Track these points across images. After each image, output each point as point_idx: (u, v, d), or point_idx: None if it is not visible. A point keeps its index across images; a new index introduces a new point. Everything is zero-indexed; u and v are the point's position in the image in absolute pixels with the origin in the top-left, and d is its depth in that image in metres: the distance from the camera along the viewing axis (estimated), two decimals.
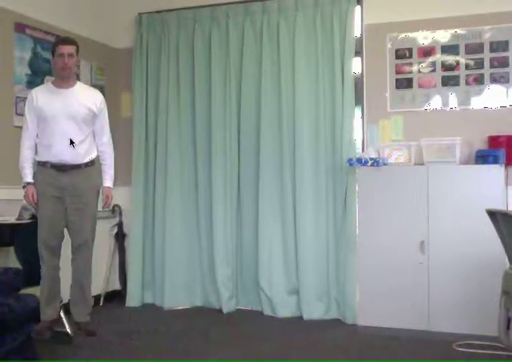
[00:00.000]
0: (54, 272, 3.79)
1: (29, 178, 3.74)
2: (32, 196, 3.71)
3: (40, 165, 3.77)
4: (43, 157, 3.74)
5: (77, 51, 3.78)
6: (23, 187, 3.75)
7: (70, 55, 3.71)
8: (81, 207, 3.76)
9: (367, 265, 4.30)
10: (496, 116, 4.28)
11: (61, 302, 3.91)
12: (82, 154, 3.75)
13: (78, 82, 3.88)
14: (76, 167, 3.74)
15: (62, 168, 3.71)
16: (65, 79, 3.77)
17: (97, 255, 4.74)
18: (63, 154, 3.69)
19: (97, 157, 3.90)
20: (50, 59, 3.84)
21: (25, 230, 3.81)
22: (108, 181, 3.93)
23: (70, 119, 3.70)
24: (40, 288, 3.78)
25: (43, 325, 3.75)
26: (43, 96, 3.73)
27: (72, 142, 3.69)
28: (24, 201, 3.79)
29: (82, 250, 3.80)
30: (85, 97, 3.79)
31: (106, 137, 3.92)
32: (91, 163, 3.83)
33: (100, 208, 3.94)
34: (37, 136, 3.77)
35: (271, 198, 4.72)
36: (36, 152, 3.78)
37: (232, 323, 4.50)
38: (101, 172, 3.93)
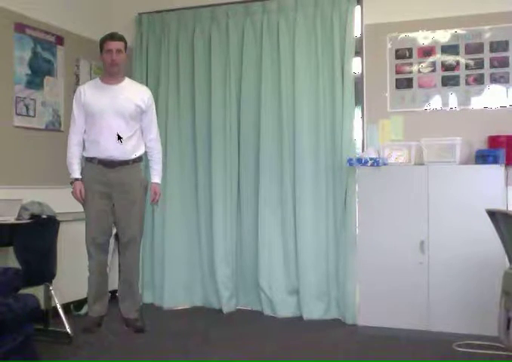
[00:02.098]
0: (102, 268, 3.80)
1: (76, 174, 3.73)
2: (80, 192, 3.70)
3: (88, 161, 3.76)
4: (90, 153, 3.73)
5: (125, 47, 3.77)
6: (71, 183, 3.73)
7: (118, 51, 3.71)
8: (128, 204, 3.74)
9: (367, 265, 4.30)
10: (496, 116, 4.28)
11: (109, 298, 3.92)
12: (130, 150, 3.74)
13: (127, 78, 3.86)
14: (124, 163, 3.72)
15: (109, 164, 3.70)
16: (113, 75, 3.76)
17: None
18: (110, 150, 3.68)
19: (145, 153, 3.88)
20: (99, 56, 3.81)
21: (24, 230, 3.81)
22: (156, 177, 3.92)
23: (118, 115, 3.68)
24: (88, 284, 3.80)
25: (91, 321, 3.77)
26: (91, 92, 3.73)
27: (119, 138, 3.68)
28: (72, 197, 3.76)
29: (131, 247, 3.79)
30: (133, 93, 3.77)
31: (153, 133, 3.91)
32: (139, 159, 3.82)
33: (148, 204, 3.92)
34: (85, 131, 3.75)
35: (271, 198, 4.72)
36: (84, 148, 3.76)
37: (232, 323, 4.50)
38: (148, 168, 3.92)
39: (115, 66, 3.71)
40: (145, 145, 3.87)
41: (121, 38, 3.75)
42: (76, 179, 3.72)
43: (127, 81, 3.83)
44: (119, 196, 3.71)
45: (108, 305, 3.90)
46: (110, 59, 3.68)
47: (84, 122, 3.73)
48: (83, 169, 3.75)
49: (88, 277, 3.77)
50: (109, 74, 3.76)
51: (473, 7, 4.32)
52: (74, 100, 3.79)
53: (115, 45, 3.69)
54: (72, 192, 3.72)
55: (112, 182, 3.69)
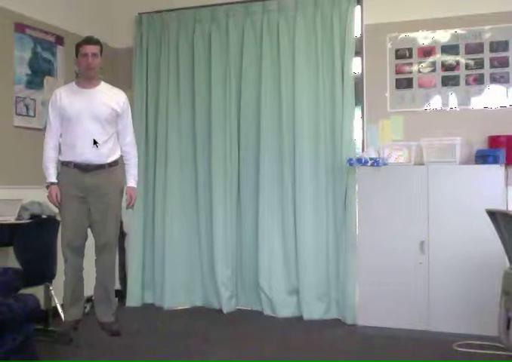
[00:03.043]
0: (78, 272, 3.78)
1: (52, 178, 3.73)
2: (56, 196, 3.70)
3: (64, 165, 3.75)
4: (67, 157, 3.73)
5: (101, 51, 3.76)
6: (47, 187, 3.73)
7: (94, 55, 3.70)
8: (104, 207, 3.74)
9: (367, 265, 4.30)
10: (496, 116, 4.28)
11: (85, 302, 3.91)
12: (106, 154, 3.73)
13: (102, 82, 3.85)
14: (100, 167, 3.72)
15: (85, 168, 3.70)
16: (88, 79, 3.75)
17: None
18: (86, 154, 3.67)
19: (121, 157, 3.88)
20: (74, 60, 3.81)
21: (24, 230, 3.81)
22: (132, 181, 3.90)
23: (94, 119, 3.68)
24: (63, 288, 3.78)
25: (67, 325, 3.76)
26: (67, 96, 3.72)
27: (95, 142, 3.67)
28: (42, 201, 3.77)
29: (106, 250, 3.79)
30: (109, 97, 3.77)
31: (129, 137, 3.90)
32: (115, 163, 3.81)
33: (123, 208, 3.92)
34: (60, 135, 3.76)
35: (271, 198, 4.72)
36: (60, 152, 3.77)
37: (232, 323, 4.50)
38: (124, 172, 3.92)
39: (90, 70, 3.71)
40: (121, 150, 3.87)
41: (97, 42, 3.75)
42: (52, 183, 3.73)
43: (102, 85, 3.84)
44: (95, 200, 3.72)
45: (84, 309, 3.90)
46: (86, 63, 3.68)
47: (60, 126, 3.73)
48: (59, 173, 3.76)
49: (64, 282, 3.77)
50: (85, 78, 3.76)
51: (473, 7, 4.32)
52: (50, 104, 3.78)
53: (90, 49, 3.69)
54: (48, 196, 3.73)
55: (88, 186, 3.70)
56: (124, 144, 3.88)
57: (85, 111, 3.67)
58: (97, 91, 3.76)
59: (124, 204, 3.89)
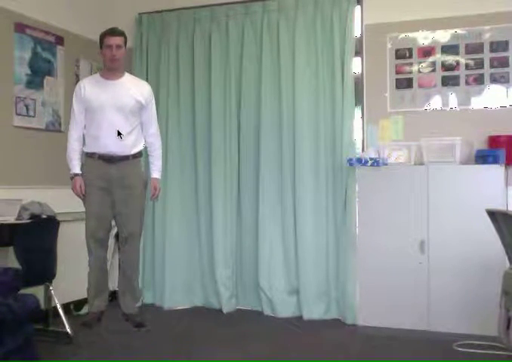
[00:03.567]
0: (102, 264, 3.77)
1: (76, 169, 3.71)
2: (80, 187, 3.69)
3: (88, 156, 3.74)
4: (90, 148, 3.72)
5: (125, 43, 3.76)
6: (71, 178, 3.72)
7: (118, 46, 3.68)
8: (128, 199, 3.72)
9: (367, 265, 4.30)
10: (496, 116, 4.28)
11: (109, 293, 3.91)
12: (130, 145, 3.72)
13: (127, 73, 3.84)
14: (124, 158, 3.71)
15: (109, 159, 3.68)
16: (113, 70, 3.73)
17: None
18: (110, 145, 3.66)
19: (145, 148, 3.87)
20: (98, 51, 3.79)
21: (24, 230, 3.81)
22: (156, 172, 3.89)
23: (118, 110, 3.66)
24: (88, 280, 3.77)
25: (91, 316, 3.76)
26: (91, 88, 3.71)
27: (119, 134, 3.66)
28: (72, 192, 3.74)
29: (130, 242, 3.77)
30: (133, 88, 3.75)
31: (153, 128, 3.88)
32: (139, 154, 3.80)
33: (148, 200, 3.92)
34: (84, 127, 3.75)
35: (271, 198, 4.72)
36: (84, 143, 3.76)
37: (232, 323, 4.50)
38: (148, 163, 3.91)
39: (115, 62, 3.70)
40: (145, 141, 3.86)
41: (121, 33, 3.73)
42: (76, 175, 3.71)
43: (127, 76, 3.83)
44: (119, 191, 3.71)
45: (108, 300, 3.89)
46: (110, 54, 3.66)
47: (84, 117, 3.72)
48: (83, 164, 3.75)
49: (88, 273, 3.76)
50: (109, 69, 3.75)
51: (473, 7, 4.32)
52: (74, 95, 3.77)
53: (115, 40, 3.67)
54: (72, 188, 3.71)
55: (112, 178, 3.69)
56: (148, 135, 3.86)
57: (109, 103, 3.66)
58: (122, 82, 3.75)
59: (148, 195, 3.88)
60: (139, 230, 3.82)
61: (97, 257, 3.73)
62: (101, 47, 3.72)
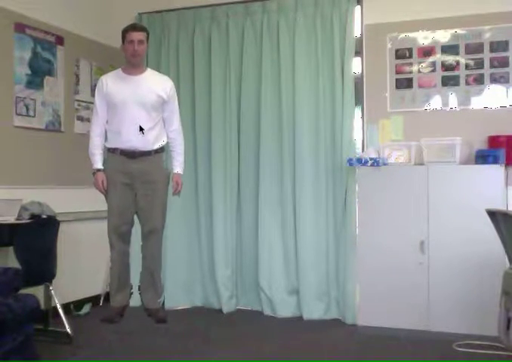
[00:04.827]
0: (124, 258, 3.76)
1: (98, 164, 3.70)
2: (102, 183, 3.69)
3: (110, 152, 3.73)
4: (112, 143, 3.71)
5: (147, 38, 3.76)
6: (93, 173, 3.71)
7: (140, 42, 3.66)
8: (150, 194, 3.71)
9: (367, 265, 4.30)
10: (496, 116, 4.28)
11: (131, 288, 3.87)
12: (152, 140, 3.71)
13: (149, 69, 3.83)
14: (146, 153, 3.69)
15: (131, 155, 3.67)
16: (135, 66, 3.72)
17: (97, 255, 4.76)
18: (132, 140, 3.65)
19: (167, 144, 3.86)
20: (120, 46, 3.78)
21: (24, 230, 3.81)
22: (178, 168, 3.89)
23: (140, 106, 3.65)
24: (110, 274, 3.76)
25: (113, 311, 3.73)
26: (113, 83, 3.70)
27: (141, 129, 3.65)
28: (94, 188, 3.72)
29: (152, 237, 3.75)
30: (155, 84, 3.73)
31: (175, 124, 3.87)
32: (161, 150, 3.79)
33: (170, 195, 3.91)
34: (107, 122, 3.74)
35: (271, 198, 4.72)
36: (106, 139, 3.75)
37: (232, 323, 4.50)
38: (171, 158, 3.91)
39: (137, 57, 3.69)
40: (167, 136, 3.86)
41: (143, 29, 3.73)
42: (98, 170, 3.71)
43: (149, 71, 3.82)
44: (141, 186, 3.71)
45: (129, 295, 3.88)
46: (132, 49, 3.65)
47: (106, 113, 3.72)
48: (105, 160, 3.75)
49: (110, 268, 3.76)
50: (131, 64, 3.74)
51: (473, 7, 4.32)
52: (96, 91, 3.76)
53: (137, 36, 3.66)
54: (94, 183, 3.71)
55: (134, 173, 3.69)
56: (170, 131, 3.85)
57: (131, 98, 3.64)
58: (144, 78, 3.74)
59: (170, 190, 3.87)
60: (161, 225, 3.81)
61: (119, 252, 3.72)
62: (123, 42, 3.71)
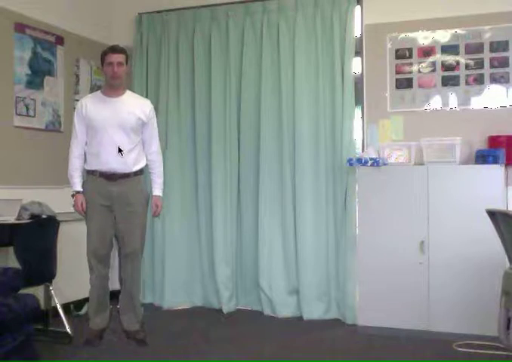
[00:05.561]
0: (103, 281, 3.80)
1: (78, 187, 3.74)
2: (82, 205, 3.71)
3: (89, 174, 3.77)
4: (92, 165, 3.74)
5: (126, 60, 3.77)
6: (72, 196, 3.75)
7: (119, 64, 3.70)
8: (130, 216, 3.74)
9: (367, 265, 4.30)
10: (496, 116, 4.28)
11: (111, 311, 3.92)
12: (131, 162, 3.74)
13: (128, 91, 3.87)
14: (125, 175, 3.72)
15: (111, 177, 3.70)
16: (114, 88, 3.75)
17: None
18: (111, 162, 3.68)
19: (146, 166, 3.88)
20: (101, 68, 3.82)
21: (24, 230, 3.81)
22: (157, 190, 3.91)
23: (119, 128, 3.68)
24: (89, 297, 3.82)
25: (92, 333, 3.78)
26: (92, 105, 3.73)
27: (120, 151, 3.68)
28: (73, 209, 3.79)
29: (132, 259, 3.79)
30: (134, 106, 3.77)
31: (155, 146, 3.90)
32: (140, 171, 3.82)
33: (149, 217, 3.93)
34: (86, 144, 3.76)
35: (271, 198, 4.72)
36: (85, 161, 3.77)
37: (232, 323, 4.50)
38: (150, 181, 3.92)
39: (116, 79, 3.71)
40: (146, 158, 3.87)
41: (122, 51, 3.75)
42: (78, 192, 3.73)
43: (128, 93, 3.84)
44: (121, 209, 3.72)
45: (109, 317, 3.90)
46: (112, 71, 3.68)
47: (85, 135, 3.74)
48: (84, 181, 3.76)
49: (89, 291, 3.78)
50: (111, 86, 3.76)
51: (473, 7, 4.32)
52: (75, 113, 3.80)
53: (116, 58, 3.69)
54: (74, 205, 3.73)
55: (114, 195, 3.70)
56: (149, 153, 3.88)
57: (111, 120, 3.67)
58: (123, 100, 3.77)
59: (150, 212, 3.90)
60: (140, 247, 3.84)
61: (98, 275, 3.76)
62: (102, 64, 3.74)
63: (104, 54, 3.73)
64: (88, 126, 3.72)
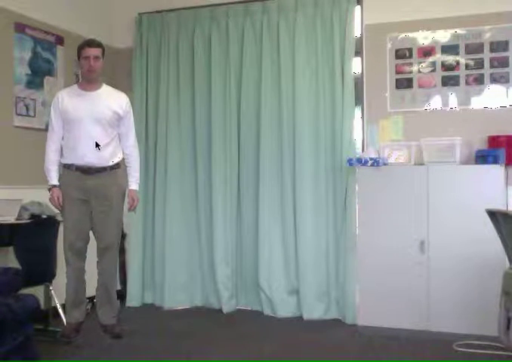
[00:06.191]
0: (80, 275, 3.79)
1: (54, 180, 3.74)
2: (58, 199, 3.71)
3: (65, 168, 3.77)
4: (68, 159, 3.74)
5: (103, 54, 3.77)
6: (49, 190, 3.75)
7: (96, 58, 3.70)
8: (106, 210, 3.75)
9: (367, 265, 4.30)
10: (496, 116, 4.28)
11: (87, 304, 3.92)
12: (107, 156, 3.74)
13: (104, 85, 3.86)
14: (102, 169, 3.72)
15: (87, 171, 3.70)
16: (91, 82, 3.76)
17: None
18: (88, 156, 3.68)
19: (123, 159, 3.88)
20: (76, 61, 3.81)
21: (24, 230, 3.81)
22: (134, 184, 3.91)
23: (95, 122, 3.68)
24: (66, 290, 3.80)
25: (69, 327, 3.78)
26: (68, 99, 3.73)
27: (97, 145, 3.68)
28: (49, 203, 3.80)
29: (108, 253, 3.80)
30: (111, 100, 3.77)
31: (131, 140, 3.90)
32: (117, 165, 3.82)
33: (125, 211, 3.93)
34: (62, 138, 3.76)
35: (271, 198, 4.72)
36: (62, 155, 3.77)
37: (232, 323, 4.50)
38: (127, 175, 3.92)
39: (92, 73, 3.71)
40: (123, 152, 3.87)
41: (99, 45, 3.75)
42: (54, 186, 3.73)
43: (104, 87, 3.84)
44: (97, 202, 3.73)
45: (86, 311, 3.90)
46: (88, 65, 3.68)
47: (62, 129, 3.74)
48: (61, 175, 3.76)
49: (66, 284, 3.78)
50: (87, 80, 3.77)
51: (473, 7, 4.32)
52: (52, 107, 3.78)
53: (92, 52, 3.69)
54: (50, 199, 3.73)
55: (90, 189, 3.70)
56: (126, 146, 3.88)
57: (87, 114, 3.67)
58: (99, 94, 3.77)
59: (126, 206, 3.89)
60: (116, 241, 3.85)
61: (75, 268, 3.75)
62: (79, 58, 3.74)
63: (81, 48, 3.73)
64: (65, 119, 3.72)
